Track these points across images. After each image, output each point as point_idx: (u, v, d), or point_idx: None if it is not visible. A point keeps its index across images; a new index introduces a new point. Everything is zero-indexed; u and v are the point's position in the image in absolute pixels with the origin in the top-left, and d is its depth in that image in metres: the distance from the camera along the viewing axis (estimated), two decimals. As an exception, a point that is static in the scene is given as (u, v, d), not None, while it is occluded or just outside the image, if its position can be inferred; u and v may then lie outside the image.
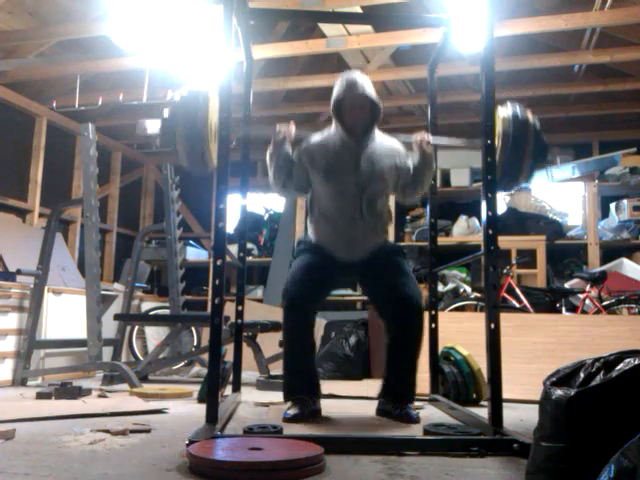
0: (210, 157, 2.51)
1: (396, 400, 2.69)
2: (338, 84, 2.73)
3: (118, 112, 6.16)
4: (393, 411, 2.67)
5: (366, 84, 2.69)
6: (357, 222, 2.73)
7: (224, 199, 2.30)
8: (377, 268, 2.77)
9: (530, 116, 2.56)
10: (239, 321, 3.22)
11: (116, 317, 4.44)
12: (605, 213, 5.70)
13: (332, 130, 2.80)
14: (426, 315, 3.11)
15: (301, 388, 2.69)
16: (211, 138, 2.51)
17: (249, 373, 4.35)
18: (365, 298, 5.32)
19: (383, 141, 2.81)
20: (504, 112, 2.57)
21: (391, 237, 5.30)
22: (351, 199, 2.71)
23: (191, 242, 6.76)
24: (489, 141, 2.36)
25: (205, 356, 4.35)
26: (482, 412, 2.49)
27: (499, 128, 2.56)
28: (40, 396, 3.17)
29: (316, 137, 2.83)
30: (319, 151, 2.76)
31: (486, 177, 2.33)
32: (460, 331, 3.59)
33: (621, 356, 1.38)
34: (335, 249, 2.77)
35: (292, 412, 2.60)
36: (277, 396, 3.15)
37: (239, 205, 3.41)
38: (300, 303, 2.63)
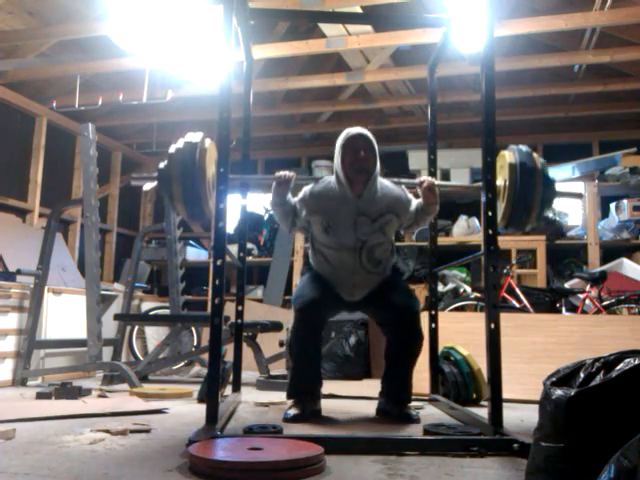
0: (207, 205, 2.47)
1: (396, 400, 2.70)
2: (342, 135, 2.72)
3: (118, 112, 6.16)
4: (393, 411, 2.68)
5: (369, 132, 2.72)
6: (357, 270, 2.72)
7: (224, 199, 2.31)
8: (376, 295, 2.78)
9: (538, 163, 2.49)
10: (239, 321, 3.23)
11: (116, 317, 4.44)
12: (605, 213, 5.70)
13: (332, 182, 2.76)
14: (426, 315, 3.12)
15: (305, 389, 2.71)
16: (209, 190, 2.47)
17: (249, 373, 4.35)
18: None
19: (385, 193, 2.76)
20: (510, 158, 2.50)
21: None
22: (351, 251, 2.70)
23: (191, 242, 6.76)
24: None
25: (205, 356, 4.35)
26: (482, 412, 2.49)
27: (505, 177, 2.48)
28: (40, 396, 3.17)
29: (316, 188, 2.79)
30: (318, 205, 2.73)
31: (486, 177, 2.33)
32: (460, 331, 3.59)
33: (621, 356, 1.38)
34: (336, 288, 2.76)
35: (292, 412, 2.62)
36: (277, 396, 3.15)
37: (239, 205, 3.41)
38: (312, 306, 2.63)
